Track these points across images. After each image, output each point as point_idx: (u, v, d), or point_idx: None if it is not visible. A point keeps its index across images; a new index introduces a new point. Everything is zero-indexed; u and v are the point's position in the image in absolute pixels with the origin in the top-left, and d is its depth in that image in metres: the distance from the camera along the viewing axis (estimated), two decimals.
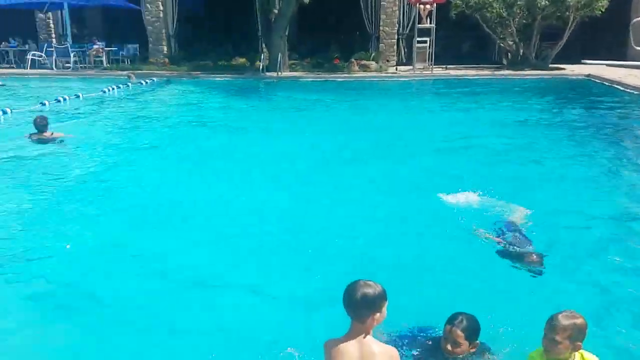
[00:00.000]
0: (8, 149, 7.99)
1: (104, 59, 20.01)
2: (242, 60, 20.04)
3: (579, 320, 2.65)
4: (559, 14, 17.09)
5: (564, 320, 2.63)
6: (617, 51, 18.35)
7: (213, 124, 10.85)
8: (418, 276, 4.09)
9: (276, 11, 18.53)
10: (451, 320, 2.83)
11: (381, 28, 19.96)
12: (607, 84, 14.93)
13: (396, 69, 19.08)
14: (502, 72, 17.62)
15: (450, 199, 5.56)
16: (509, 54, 19.06)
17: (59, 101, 12.31)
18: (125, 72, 17.83)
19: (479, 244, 4.57)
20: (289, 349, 3.11)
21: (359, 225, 5.13)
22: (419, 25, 17.65)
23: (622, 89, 13.92)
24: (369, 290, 2.43)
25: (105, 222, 5.33)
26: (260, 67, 18.28)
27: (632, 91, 13.36)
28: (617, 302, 3.73)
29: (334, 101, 13.68)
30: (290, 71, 18.79)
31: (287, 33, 18.90)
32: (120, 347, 3.32)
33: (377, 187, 6.34)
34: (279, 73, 17.85)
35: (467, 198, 5.55)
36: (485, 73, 17.54)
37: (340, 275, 3.75)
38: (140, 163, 7.75)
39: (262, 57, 18.72)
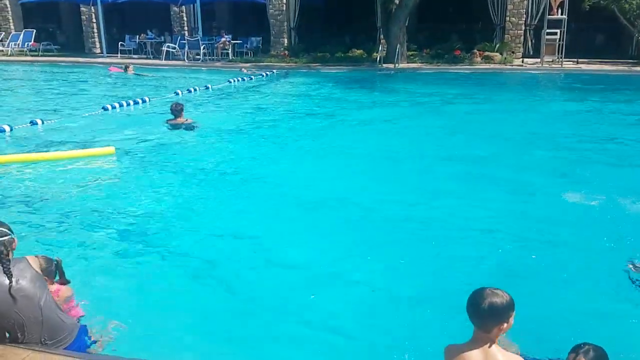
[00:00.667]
0: (149, 133, 8.79)
1: (229, 51, 21.13)
2: (359, 52, 20.15)
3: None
4: None
5: None
6: None
7: (327, 116, 11.04)
8: (550, 291, 3.86)
9: (397, 1, 18.36)
10: (576, 349, 2.52)
11: (507, 18, 18.95)
12: None
13: (522, 61, 18.08)
14: (639, 67, 16.02)
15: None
16: None
17: (190, 91, 13.28)
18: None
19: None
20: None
21: (485, 228, 4.97)
22: (550, 16, 16.55)
23: None
24: (497, 300, 2.34)
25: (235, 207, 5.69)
26: (378, 58, 18.25)
27: None
28: None
29: (454, 95, 13.26)
30: (408, 62, 18.57)
31: (406, 24, 18.67)
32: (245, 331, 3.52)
33: (504, 188, 6.10)
34: (397, 65, 17.70)
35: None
36: (621, 69, 16.07)
37: (464, 279, 3.71)
38: (262, 152, 8.11)
39: (380, 48, 18.66)
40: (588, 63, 17.10)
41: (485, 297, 2.36)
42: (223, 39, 21.39)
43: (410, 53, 19.24)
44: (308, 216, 5.37)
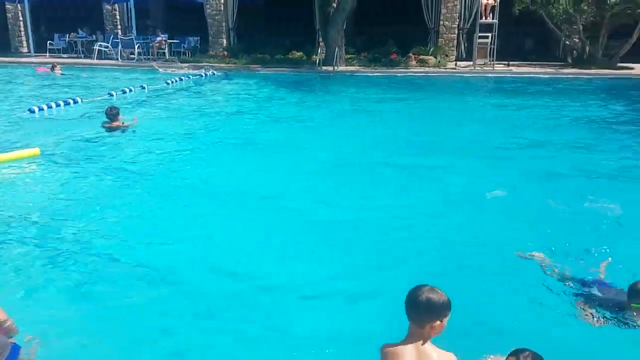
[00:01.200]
0: (78, 136, 8.42)
1: (166, 51, 20.64)
2: (298, 54, 20.22)
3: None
4: (629, 11, 16.25)
5: None
6: None
7: (267, 117, 10.98)
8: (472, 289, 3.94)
9: (335, 5, 18.57)
10: (517, 354, 2.49)
11: (441, 22, 19.62)
12: None
13: (455, 64, 18.71)
14: (567, 70, 16.96)
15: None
16: (575, 52, 18.30)
17: (125, 92, 12.84)
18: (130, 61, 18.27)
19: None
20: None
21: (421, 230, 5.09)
22: (481, 20, 17.24)
23: None
24: (434, 296, 2.42)
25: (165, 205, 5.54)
26: (317, 60, 18.38)
27: None
28: None
29: (390, 97, 13.57)
30: (346, 65, 18.80)
31: (344, 27, 18.91)
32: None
33: (434, 188, 6.27)
34: (336, 67, 17.88)
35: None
36: (549, 71, 16.95)
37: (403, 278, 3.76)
38: (200, 153, 7.96)
39: (319, 51, 18.81)
40: (518, 66, 17.92)
41: (423, 292, 2.44)
42: (159, 39, 20.87)
43: (348, 56, 19.50)
44: (245, 218, 5.31)
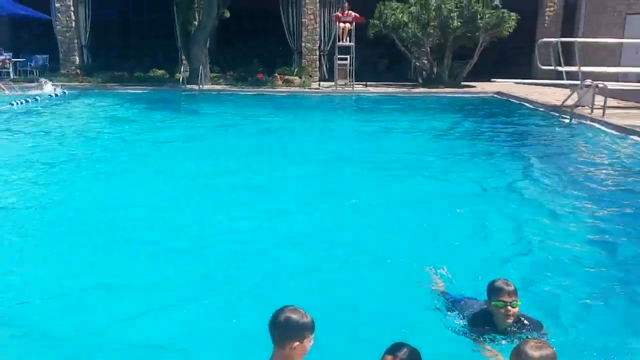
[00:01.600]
0: None
1: (10, 70, 18.82)
2: (160, 72, 19.55)
3: (549, 351, 2.30)
4: (469, 35, 18.04)
5: (533, 352, 2.26)
6: (524, 70, 19.60)
7: (123, 138, 10.40)
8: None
9: (196, 23, 18.30)
10: (393, 351, 2.42)
11: (303, 44, 20.21)
12: (513, 100, 15.91)
13: (319, 84, 19.31)
14: (418, 89, 18.29)
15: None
16: (424, 72, 19.83)
17: None
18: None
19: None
20: None
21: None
22: (339, 43, 18.02)
23: (527, 105, 14.88)
24: (294, 316, 2.39)
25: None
26: (181, 79, 17.91)
27: (536, 107, 14.31)
28: None
29: (257, 115, 13.60)
30: (212, 84, 18.54)
31: (207, 45, 18.69)
32: None
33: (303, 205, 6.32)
34: (201, 86, 17.54)
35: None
36: (402, 90, 18.14)
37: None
38: (47, 177, 7.28)
39: (182, 69, 18.36)
40: (375, 86, 18.96)
41: (284, 312, 2.40)
42: (2, 57, 18.94)
43: (214, 75, 19.27)
44: (102, 245, 4.92)
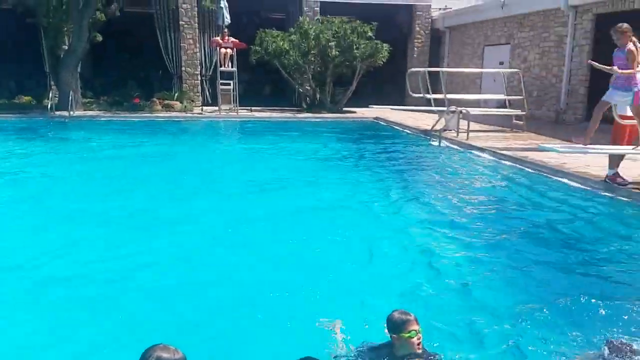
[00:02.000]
0: None
1: None
2: (27, 98, 18.07)
3: None
4: (347, 63, 18.82)
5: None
6: (398, 97, 20.79)
7: None
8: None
9: (65, 47, 17.22)
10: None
11: (183, 68, 19.82)
12: (390, 125, 16.77)
13: (202, 109, 18.97)
14: (302, 114, 18.65)
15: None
16: (308, 98, 20.31)
17: None
18: None
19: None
20: None
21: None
22: (222, 68, 17.90)
23: (402, 129, 15.76)
24: (166, 354, 2.20)
25: None
26: (49, 105, 16.66)
27: (410, 131, 15.19)
28: None
29: (133, 141, 12.99)
30: (85, 110, 17.48)
31: (79, 70, 17.64)
32: None
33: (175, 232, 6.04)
34: (71, 112, 16.44)
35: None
36: (287, 115, 18.39)
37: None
38: None
39: (51, 95, 17.11)
40: (260, 111, 19.05)
41: (155, 350, 2.21)
42: None
43: (87, 100, 18.21)
44: None
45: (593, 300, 4.09)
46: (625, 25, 7.07)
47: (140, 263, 5.10)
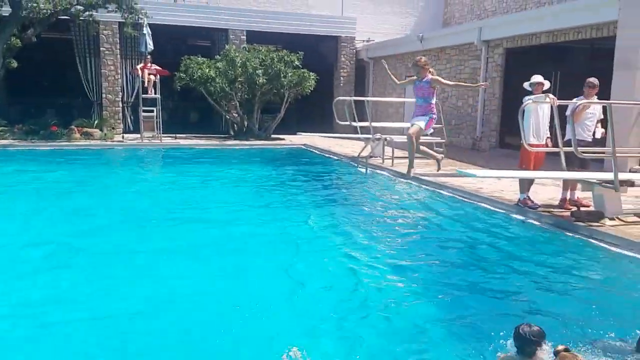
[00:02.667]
0: None
1: None
2: None
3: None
4: (275, 91, 18.97)
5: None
6: (326, 124, 21.16)
7: None
8: None
9: None
10: None
11: (104, 95, 19.20)
12: (318, 152, 16.99)
13: (123, 137, 18.36)
14: (229, 142, 18.50)
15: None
16: (235, 125, 20.20)
17: None
18: None
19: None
20: None
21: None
22: (144, 95, 17.46)
23: (330, 156, 16.00)
24: None
25: None
26: None
27: (338, 158, 15.46)
28: None
29: (45, 171, 12.31)
30: None
31: None
32: None
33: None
34: None
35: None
36: (214, 143, 18.17)
37: None
38: None
39: None
40: (185, 138, 18.69)
41: None
42: None
43: (0, 129, 17.14)
44: None
45: (502, 315, 4.31)
46: (424, 59, 7.99)
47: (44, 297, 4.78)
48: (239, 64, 18.19)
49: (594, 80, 7.83)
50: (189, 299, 4.88)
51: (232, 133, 20.26)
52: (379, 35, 23.46)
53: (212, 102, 19.07)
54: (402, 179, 11.55)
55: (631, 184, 7.97)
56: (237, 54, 18.47)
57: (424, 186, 10.71)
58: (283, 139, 19.47)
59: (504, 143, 15.45)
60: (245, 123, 19.79)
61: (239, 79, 18.41)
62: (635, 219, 7.28)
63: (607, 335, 3.98)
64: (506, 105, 15.15)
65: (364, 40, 23.32)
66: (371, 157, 13.56)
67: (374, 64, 23.10)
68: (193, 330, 4.23)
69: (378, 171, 12.81)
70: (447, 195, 9.81)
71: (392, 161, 13.07)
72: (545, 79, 8.09)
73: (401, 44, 20.77)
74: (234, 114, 19.83)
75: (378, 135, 13.80)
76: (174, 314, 4.58)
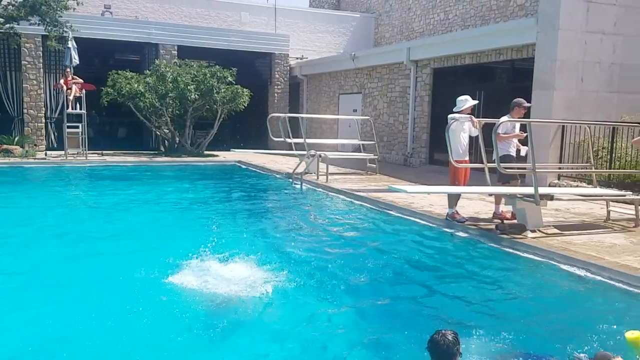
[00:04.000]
0: None
1: None
2: None
3: None
4: (208, 107, 18.70)
5: None
6: (261, 141, 21.06)
7: None
8: None
9: None
10: None
11: (25, 111, 18.18)
12: (252, 168, 16.83)
13: (45, 154, 17.40)
14: (160, 158, 17.98)
15: None
16: (166, 141, 19.69)
17: None
18: None
19: None
20: None
21: None
22: (68, 110, 16.68)
23: (264, 172, 15.89)
24: None
25: None
26: None
27: (273, 174, 15.37)
28: None
29: None
30: None
31: None
32: None
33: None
34: None
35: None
36: (143, 160, 17.59)
37: None
38: None
39: None
40: (113, 155, 17.99)
41: None
42: None
43: None
44: None
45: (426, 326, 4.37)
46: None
47: None
48: (169, 79, 17.81)
49: (523, 100, 8.25)
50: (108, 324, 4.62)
51: (162, 149, 19.73)
52: (312, 52, 23.77)
53: (142, 118, 18.51)
54: (337, 195, 11.64)
55: (550, 197, 8.43)
56: (167, 69, 18.09)
57: (358, 202, 10.83)
58: (216, 156, 19.18)
59: (434, 159, 15.97)
60: (177, 139, 19.35)
61: (170, 95, 18.01)
62: (555, 230, 7.68)
63: (525, 343, 4.14)
64: (435, 123, 15.70)
65: (297, 58, 23.53)
66: (306, 173, 13.60)
67: (308, 81, 23.34)
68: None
69: (313, 187, 12.85)
70: (379, 210, 9.96)
71: (327, 177, 13.16)
72: (472, 98, 8.44)
73: (334, 61, 21.13)
74: (164, 130, 19.34)
75: (312, 152, 13.88)
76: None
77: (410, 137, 16.96)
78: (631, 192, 8.76)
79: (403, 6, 21.82)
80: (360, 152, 16.11)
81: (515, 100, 8.26)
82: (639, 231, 7.80)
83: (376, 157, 15.03)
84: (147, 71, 18.50)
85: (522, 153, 8.38)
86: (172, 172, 15.80)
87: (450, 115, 8.21)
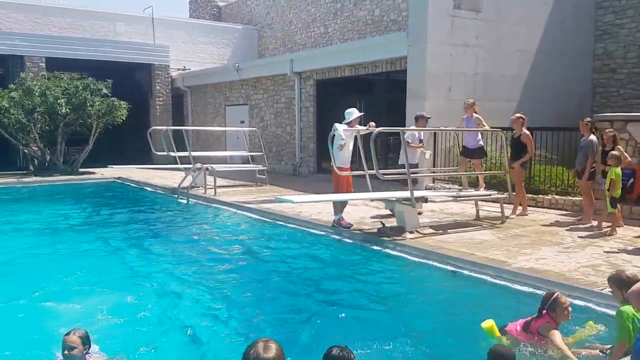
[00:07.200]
0: None
1: None
2: None
3: None
4: (82, 121, 17.56)
5: None
6: (144, 155, 20.12)
7: None
8: None
9: None
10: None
11: None
12: (134, 185, 16.05)
13: None
14: (29, 179, 16.52)
15: None
16: (36, 160, 18.17)
17: None
18: None
19: None
20: None
21: None
22: None
23: (147, 188, 15.22)
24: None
25: None
26: None
27: (156, 190, 14.77)
28: None
29: None
30: None
31: None
32: None
33: None
34: None
35: None
36: (9, 181, 16.04)
37: None
38: None
39: None
40: None
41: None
42: None
43: None
44: None
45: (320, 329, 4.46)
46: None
47: None
48: (37, 93, 16.48)
49: (424, 112, 9.86)
50: None
51: (32, 169, 18.16)
52: (195, 64, 23.29)
53: (7, 135, 16.92)
54: (225, 208, 11.47)
55: (425, 200, 8.98)
56: (34, 83, 16.74)
57: (248, 213, 10.75)
58: (93, 173, 18.03)
59: (321, 168, 16.33)
60: (48, 157, 17.92)
61: (38, 109, 16.66)
62: (431, 230, 8.19)
63: (401, 339, 4.38)
64: (320, 133, 16.06)
65: (179, 69, 22.93)
66: (193, 187, 13.24)
67: (192, 93, 22.82)
68: None
69: (201, 201, 12.54)
70: (269, 221, 9.97)
71: (215, 190, 12.93)
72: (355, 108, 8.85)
73: (218, 73, 20.89)
74: (33, 148, 17.83)
75: (199, 165, 13.56)
76: None
77: (298, 147, 17.20)
78: (496, 192, 9.60)
79: (284, 19, 22.16)
80: (249, 163, 16.02)
81: (417, 113, 9.74)
82: (505, 227, 8.56)
83: (265, 168, 15.02)
84: (12, 85, 16.97)
85: (427, 156, 10.15)
86: (40, 193, 14.55)
87: (335, 125, 8.45)
